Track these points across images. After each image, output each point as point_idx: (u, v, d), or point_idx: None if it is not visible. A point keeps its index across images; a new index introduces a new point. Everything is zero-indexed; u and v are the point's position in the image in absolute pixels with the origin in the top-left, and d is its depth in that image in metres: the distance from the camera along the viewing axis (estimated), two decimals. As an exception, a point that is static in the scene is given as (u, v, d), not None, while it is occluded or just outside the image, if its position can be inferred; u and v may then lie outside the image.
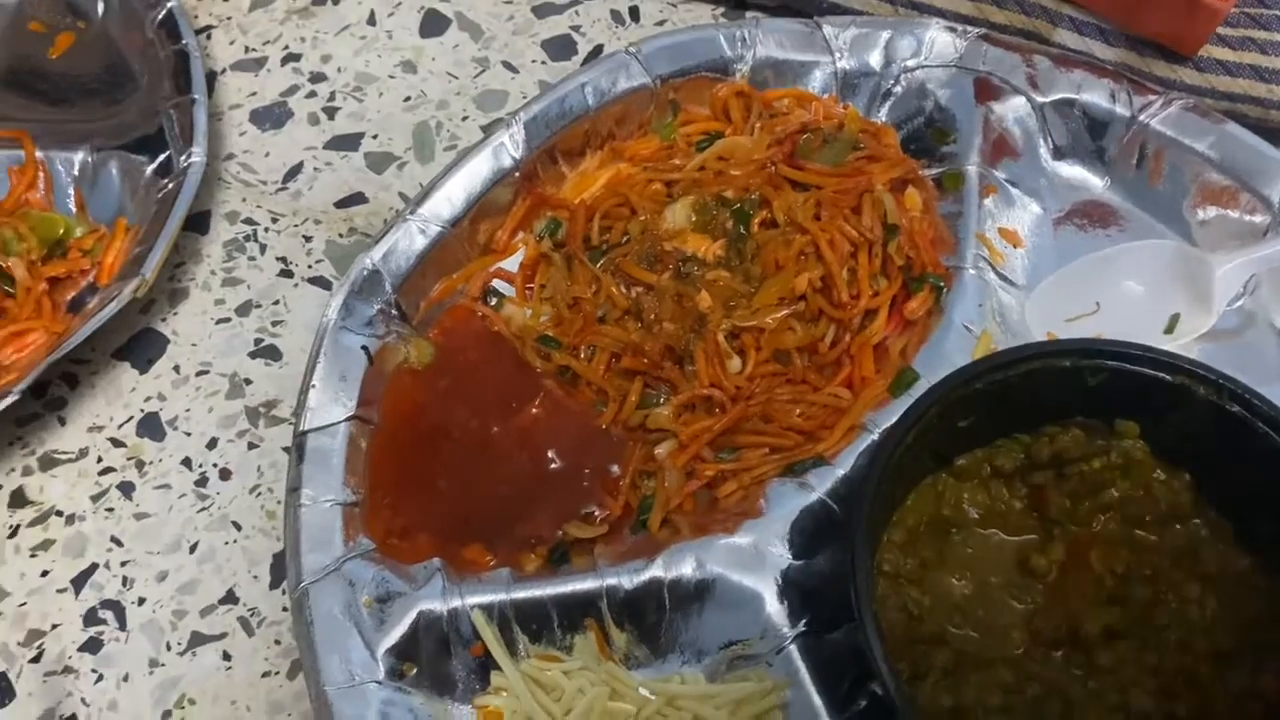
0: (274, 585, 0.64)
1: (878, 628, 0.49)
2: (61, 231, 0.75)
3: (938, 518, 0.58)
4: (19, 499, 0.67)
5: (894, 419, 0.57)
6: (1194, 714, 0.53)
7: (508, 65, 0.83)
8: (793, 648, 0.56)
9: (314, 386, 0.64)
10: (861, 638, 0.49)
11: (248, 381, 0.71)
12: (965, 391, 0.55)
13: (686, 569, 0.58)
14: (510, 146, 0.70)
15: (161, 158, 0.76)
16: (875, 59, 0.75)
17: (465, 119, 0.80)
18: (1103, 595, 0.56)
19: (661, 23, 0.84)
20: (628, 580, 0.58)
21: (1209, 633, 0.55)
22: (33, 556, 0.65)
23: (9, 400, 0.64)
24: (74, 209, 0.76)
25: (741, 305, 0.66)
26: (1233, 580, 0.56)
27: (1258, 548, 0.56)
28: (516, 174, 0.70)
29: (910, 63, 0.75)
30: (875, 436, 0.61)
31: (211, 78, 0.83)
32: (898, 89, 0.75)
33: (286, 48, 0.85)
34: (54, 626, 0.63)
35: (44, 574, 0.65)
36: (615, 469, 0.64)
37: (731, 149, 0.73)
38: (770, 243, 0.67)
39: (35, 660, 0.62)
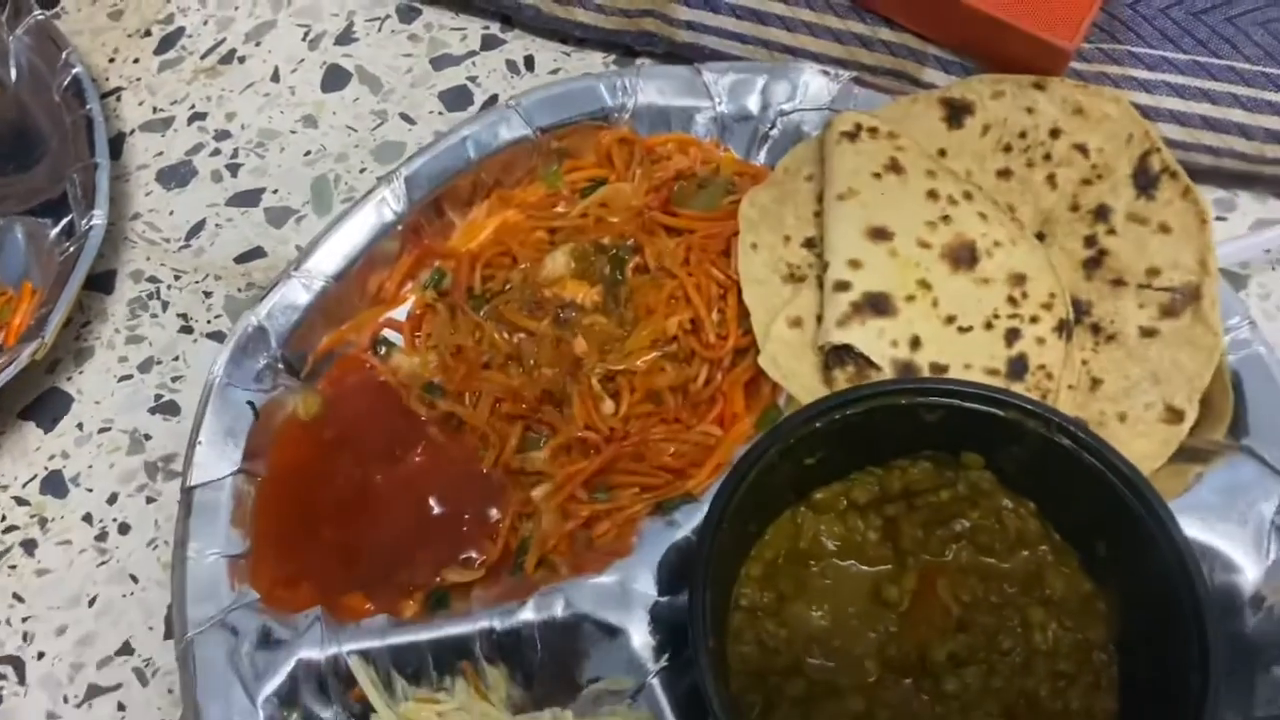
0: (168, 635, 0.67)
1: (712, 664, 0.52)
2: (-31, 296, 0.78)
3: (795, 551, 0.60)
4: (-75, 559, 0.70)
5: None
6: (1035, 734, 0.55)
7: (405, 117, 0.85)
8: (655, 682, 0.58)
9: (200, 443, 0.66)
10: (696, 671, 0.51)
11: (147, 437, 0.73)
12: (805, 431, 0.57)
13: (556, 610, 0.60)
14: (392, 201, 0.72)
15: (65, 221, 0.79)
16: (753, 103, 0.78)
17: (363, 171, 0.83)
18: (950, 623, 0.58)
19: (555, 71, 0.87)
20: (499, 622, 0.60)
21: (1051, 656, 0.57)
22: (-63, 615, 0.68)
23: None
24: (-18, 274, 0.79)
25: (616, 349, 0.69)
26: (1075, 604, 0.58)
27: (1097, 572, 0.58)
28: (399, 227, 0.73)
29: (786, 106, 0.77)
30: (739, 474, 0.63)
31: (120, 139, 0.86)
32: (775, 131, 0.77)
33: (193, 107, 0.87)
34: (-45, 684, 0.66)
35: (-53, 632, 0.67)
36: (494, 513, 0.66)
37: (613, 196, 0.75)
38: (642, 288, 0.70)
39: (-64, 717, 0.65)
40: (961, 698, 0.56)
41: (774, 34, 0.80)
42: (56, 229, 0.79)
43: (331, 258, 0.71)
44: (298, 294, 0.70)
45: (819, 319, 0.67)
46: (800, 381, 0.65)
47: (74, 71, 0.83)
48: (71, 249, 0.76)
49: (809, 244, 0.71)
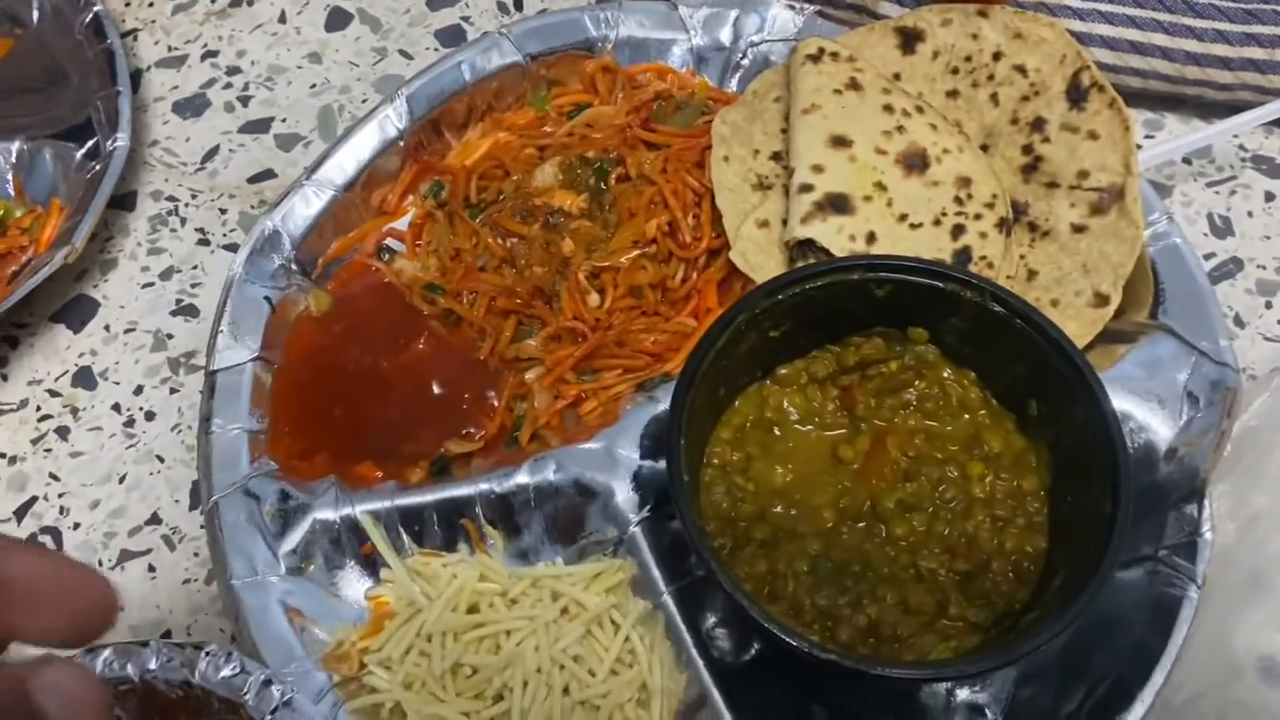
0: (193, 507, 0.73)
1: (687, 498, 0.58)
2: (2, 214, 0.84)
3: (761, 419, 0.67)
4: (-34, 445, 0.76)
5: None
6: (974, 570, 0.62)
7: (404, 53, 0.92)
8: (637, 531, 0.65)
9: (222, 332, 0.72)
10: (674, 504, 0.58)
11: (169, 336, 0.80)
12: (769, 302, 0.64)
13: (549, 473, 0.67)
14: (394, 118, 0.79)
15: (90, 144, 0.85)
16: (725, 35, 0.85)
17: (364, 101, 0.89)
18: (899, 475, 0.65)
19: (543, 11, 0.93)
20: (497, 485, 0.67)
21: (989, 503, 0.64)
22: (-21, 494, 0.74)
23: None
24: (12, 193, 0.85)
25: (601, 249, 0.76)
26: (1010, 459, 0.65)
27: (1030, 430, 0.65)
28: (401, 143, 0.79)
29: (755, 38, 0.84)
30: (711, 354, 0.70)
31: (137, 74, 0.92)
32: (746, 61, 0.85)
33: (205, 46, 0.94)
34: (-2, 551, 0.72)
35: (-11, 508, 0.73)
36: (491, 395, 0.73)
37: (596, 117, 0.82)
38: (624, 194, 0.77)
39: (-18, 580, 0.71)
40: (909, 540, 0.63)
41: (744, -28, 0.87)
42: (81, 151, 0.85)
43: (340, 170, 0.78)
44: (309, 201, 0.77)
45: (784, 222, 0.74)
46: (767, 274, 0.72)
47: (95, 10, 0.90)
48: (97, 168, 0.83)
49: (776, 157, 0.78)
